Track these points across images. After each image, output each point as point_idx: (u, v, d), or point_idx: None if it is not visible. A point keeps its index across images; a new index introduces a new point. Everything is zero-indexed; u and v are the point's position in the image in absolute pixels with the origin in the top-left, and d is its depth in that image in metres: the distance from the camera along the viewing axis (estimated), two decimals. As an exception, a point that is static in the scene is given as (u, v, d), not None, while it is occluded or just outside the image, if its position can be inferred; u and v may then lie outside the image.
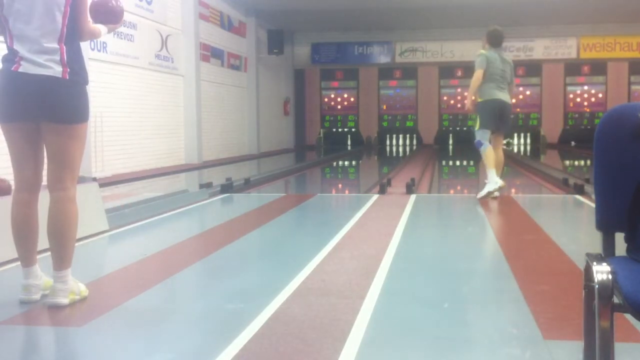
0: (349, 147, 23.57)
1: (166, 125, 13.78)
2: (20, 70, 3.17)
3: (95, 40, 10.71)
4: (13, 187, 3.52)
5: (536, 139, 23.55)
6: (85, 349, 2.82)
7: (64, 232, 3.45)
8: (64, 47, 3.25)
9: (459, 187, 10.94)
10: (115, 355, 2.72)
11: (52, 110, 3.21)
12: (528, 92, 24.19)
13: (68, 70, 3.23)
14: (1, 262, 4.29)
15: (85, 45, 10.22)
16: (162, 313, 3.27)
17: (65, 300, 3.30)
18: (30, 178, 3.41)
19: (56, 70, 3.20)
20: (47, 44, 3.20)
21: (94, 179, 6.64)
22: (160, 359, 2.61)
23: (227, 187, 8.68)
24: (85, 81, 3.35)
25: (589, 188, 7.67)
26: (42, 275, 3.49)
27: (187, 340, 2.82)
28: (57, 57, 3.21)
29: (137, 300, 3.47)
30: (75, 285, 3.41)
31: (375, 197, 7.84)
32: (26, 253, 3.45)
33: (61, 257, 3.40)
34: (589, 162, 14.77)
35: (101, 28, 3.51)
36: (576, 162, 16.40)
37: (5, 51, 3.27)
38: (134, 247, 5.30)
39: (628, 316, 1.59)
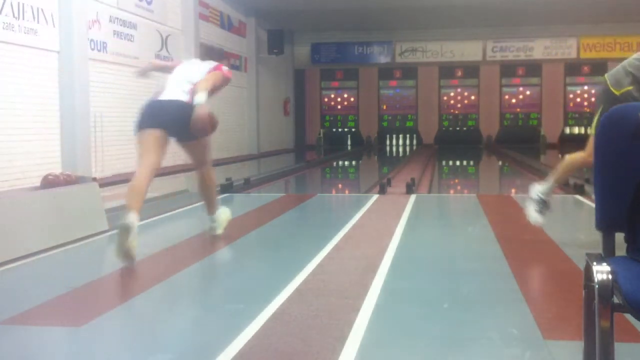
0: (349, 147, 23.57)
1: (166, 125, 13.76)
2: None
3: (95, 40, 10.71)
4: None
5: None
6: (85, 349, 2.82)
7: (210, 188, 5.17)
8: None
9: (459, 187, 10.94)
10: (115, 355, 2.72)
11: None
12: (528, 92, 24.20)
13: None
14: (1, 262, 4.29)
15: (85, 46, 10.25)
16: (162, 313, 3.27)
17: (220, 231, 5.23)
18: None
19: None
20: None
21: (94, 179, 6.63)
22: (160, 359, 2.61)
23: (227, 187, 8.67)
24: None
25: (589, 188, 7.67)
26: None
27: (187, 340, 2.82)
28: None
29: (138, 300, 3.47)
30: (223, 220, 5.25)
31: (375, 197, 7.84)
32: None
33: (212, 205, 5.21)
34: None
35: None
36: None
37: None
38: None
39: (628, 316, 1.59)
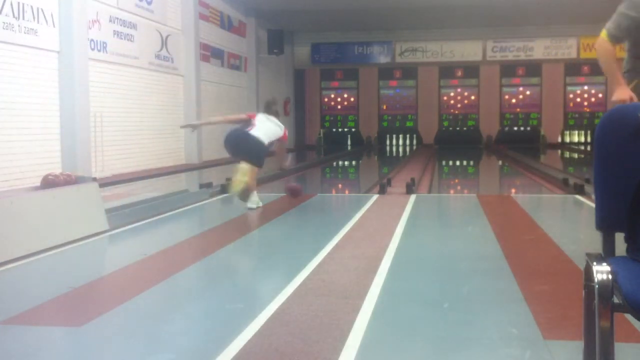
0: (349, 147, 23.56)
1: (166, 125, 13.78)
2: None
3: (95, 40, 10.72)
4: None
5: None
6: (85, 349, 2.82)
7: (251, 181, 6.93)
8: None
9: (459, 187, 10.94)
10: (115, 355, 2.72)
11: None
12: (528, 92, 24.19)
13: None
14: (1, 262, 4.29)
15: (85, 46, 10.25)
16: (162, 313, 3.27)
17: (254, 206, 6.97)
18: None
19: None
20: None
21: (94, 179, 6.63)
22: (160, 359, 2.61)
23: (227, 187, 8.67)
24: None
25: (589, 188, 7.66)
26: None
27: (187, 340, 2.82)
28: None
29: (137, 300, 3.47)
30: (257, 201, 7.03)
31: (375, 197, 7.84)
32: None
33: (246, 193, 6.92)
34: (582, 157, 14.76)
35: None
36: (576, 162, 16.40)
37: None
38: (134, 247, 5.30)
39: (628, 316, 1.59)
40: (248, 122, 7.11)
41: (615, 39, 3.45)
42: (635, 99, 3.24)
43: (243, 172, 6.65)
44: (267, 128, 7.05)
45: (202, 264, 4.51)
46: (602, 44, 3.47)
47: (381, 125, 24.89)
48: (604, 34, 3.48)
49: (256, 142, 6.88)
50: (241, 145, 6.93)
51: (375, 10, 19.46)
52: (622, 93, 3.33)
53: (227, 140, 7.13)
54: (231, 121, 7.80)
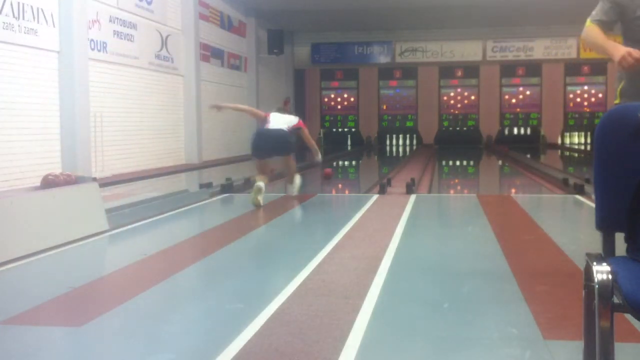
0: (349, 147, 23.56)
1: (166, 125, 13.78)
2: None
3: (95, 40, 10.72)
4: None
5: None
6: (85, 349, 2.82)
7: (291, 167, 8.07)
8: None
9: (459, 187, 10.94)
10: (115, 355, 2.72)
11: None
12: (528, 92, 24.19)
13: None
14: (1, 262, 4.29)
15: (85, 46, 10.25)
16: (162, 313, 3.27)
17: (295, 192, 8.03)
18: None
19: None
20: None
21: (94, 179, 6.63)
22: (160, 359, 2.61)
23: (227, 187, 8.68)
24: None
25: (589, 188, 7.67)
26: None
27: (187, 340, 2.82)
28: None
29: (137, 300, 3.47)
30: (297, 184, 8.08)
31: (375, 197, 7.84)
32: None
33: (291, 177, 8.08)
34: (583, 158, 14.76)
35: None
36: (576, 162, 16.40)
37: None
38: (134, 247, 5.30)
39: (628, 316, 1.59)
40: (264, 120, 7.84)
41: (600, 23, 3.38)
42: (635, 53, 3.11)
43: (258, 190, 7.14)
44: (281, 118, 7.83)
45: (202, 264, 4.51)
46: (586, 30, 3.42)
47: (381, 125, 24.89)
48: (588, 22, 3.43)
49: (278, 132, 7.63)
50: (269, 142, 7.64)
51: (375, 10, 19.46)
52: (619, 50, 3.20)
53: (257, 147, 7.76)
54: (253, 113, 8.47)
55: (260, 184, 7.16)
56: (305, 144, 8.21)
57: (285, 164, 8.11)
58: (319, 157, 8.40)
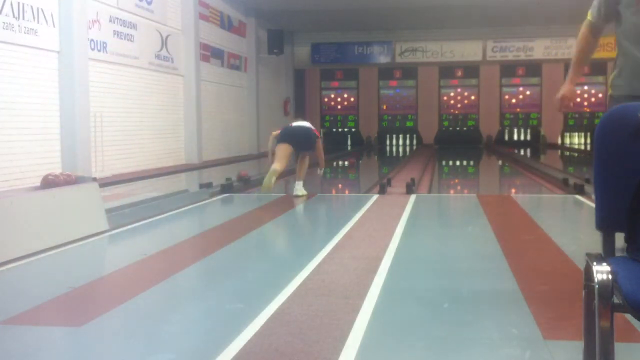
0: (349, 147, 23.56)
1: (166, 125, 13.78)
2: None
3: (95, 40, 10.72)
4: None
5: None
6: (85, 349, 2.82)
7: (304, 165, 8.19)
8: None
9: (459, 187, 10.94)
10: (115, 355, 2.72)
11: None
12: (528, 92, 24.20)
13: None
14: (1, 262, 4.29)
15: (85, 46, 10.25)
16: (162, 313, 3.27)
17: (299, 194, 7.99)
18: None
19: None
20: None
21: (94, 179, 6.63)
22: (160, 359, 2.61)
23: (227, 187, 8.68)
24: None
25: (589, 188, 7.66)
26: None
27: (187, 340, 2.82)
28: None
29: (137, 300, 3.47)
30: (302, 189, 8.04)
31: (375, 197, 7.84)
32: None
33: (300, 175, 8.13)
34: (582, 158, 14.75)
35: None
36: (576, 162, 16.40)
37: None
38: (134, 247, 5.30)
39: (628, 316, 1.59)
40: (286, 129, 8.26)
41: (591, 25, 3.33)
42: (570, 96, 3.17)
43: (273, 172, 7.66)
44: (302, 122, 8.49)
45: (202, 264, 4.51)
46: (579, 35, 3.40)
47: (381, 125, 24.89)
48: (588, 14, 3.36)
49: (302, 127, 8.24)
50: (295, 137, 8.10)
51: (375, 10, 19.46)
52: (563, 88, 3.26)
53: (284, 134, 8.15)
54: (274, 137, 8.47)
55: (277, 166, 7.64)
56: (315, 153, 8.45)
57: (300, 161, 8.27)
58: (322, 171, 8.70)
